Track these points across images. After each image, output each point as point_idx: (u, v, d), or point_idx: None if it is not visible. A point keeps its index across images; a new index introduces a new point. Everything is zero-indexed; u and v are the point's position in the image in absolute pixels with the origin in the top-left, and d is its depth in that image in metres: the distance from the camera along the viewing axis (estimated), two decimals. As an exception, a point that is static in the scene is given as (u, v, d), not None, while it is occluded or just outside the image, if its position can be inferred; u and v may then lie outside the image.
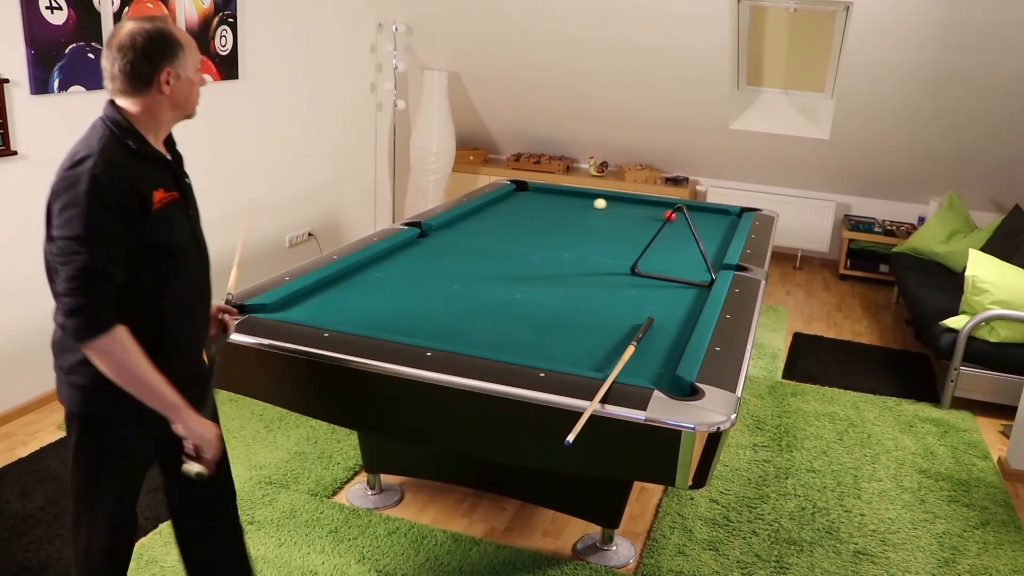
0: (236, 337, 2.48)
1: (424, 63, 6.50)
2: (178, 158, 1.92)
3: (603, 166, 6.88)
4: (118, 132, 1.75)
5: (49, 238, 1.72)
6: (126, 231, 1.71)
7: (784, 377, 4.40)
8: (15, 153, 3.40)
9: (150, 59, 1.74)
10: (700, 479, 2.15)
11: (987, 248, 5.03)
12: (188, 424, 1.81)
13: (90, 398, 1.81)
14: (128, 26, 1.75)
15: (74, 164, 1.68)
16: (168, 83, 1.77)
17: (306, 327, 2.46)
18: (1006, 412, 4.14)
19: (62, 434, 3.45)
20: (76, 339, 1.69)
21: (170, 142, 1.91)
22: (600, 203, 4.48)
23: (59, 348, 1.82)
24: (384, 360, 2.31)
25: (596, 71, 6.07)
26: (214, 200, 4.55)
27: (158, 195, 1.78)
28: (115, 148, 1.73)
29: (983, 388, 4.10)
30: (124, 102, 1.78)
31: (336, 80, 5.53)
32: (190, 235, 1.88)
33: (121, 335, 1.71)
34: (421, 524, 2.93)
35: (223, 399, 3.78)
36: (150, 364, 1.74)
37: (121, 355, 1.70)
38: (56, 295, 1.72)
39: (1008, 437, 3.88)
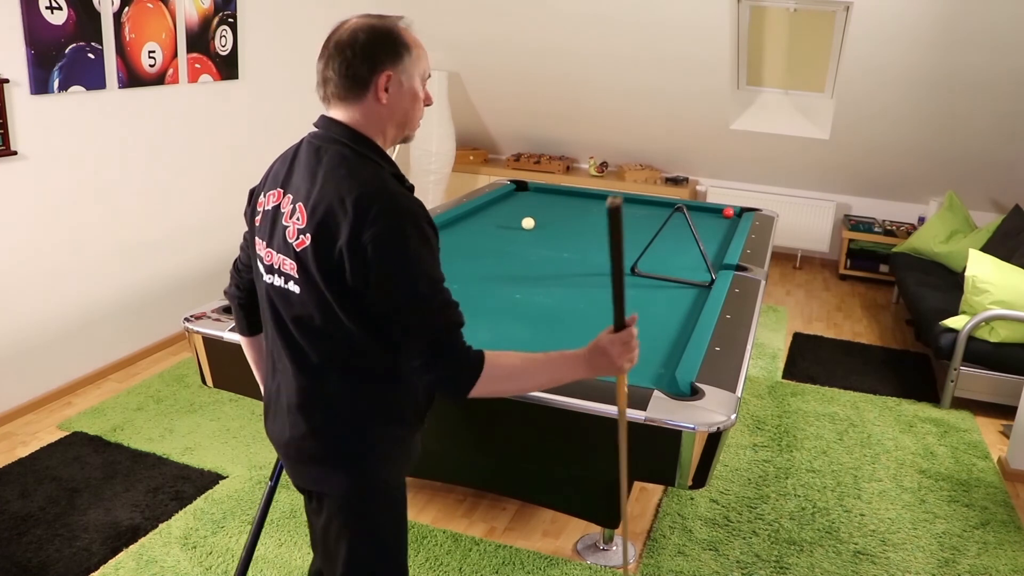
0: (236, 337, 2.48)
1: (424, 63, 6.49)
2: None
3: (603, 166, 6.88)
4: (385, 163, 1.55)
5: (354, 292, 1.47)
6: None
7: (784, 377, 4.40)
8: (15, 153, 3.40)
9: (370, 59, 1.51)
10: (700, 479, 2.15)
11: (987, 248, 5.03)
12: (600, 364, 1.58)
13: (369, 473, 1.61)
14: (351, 22, 1.55)
15: (391, 203, 1.46)
16: (386, 89, 1.53)
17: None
18: (1006, 412, 4.14)
19: (62, 434, 3.45)
20: (457, 396, 1.51)
21: None
22: (528, 223, 4.09)
23: (327, 417, 1.58)
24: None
25: (596, 71, 6.07)
26: (213, 200, 4.55)
27: None
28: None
29: (983, 388, 4.10)
30: (338, 110, 1.55)
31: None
32: None
33: (490, 358, 1.51)
34: (421, 524, 2.93)
35: (223, 399, 3.78)
36: (518, 354, 1.56)
37: (504, 373, 1.52)
38: (411, 356, 1.50)
39: (1008, 437, 3.88)
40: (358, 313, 1.49)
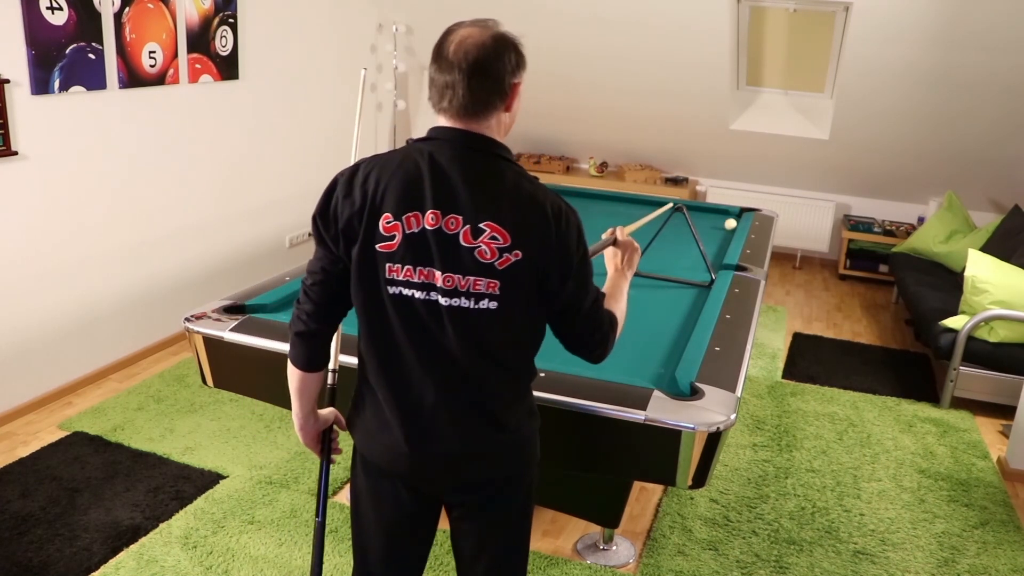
0: (236, 337, 2.48)
1: (424, 63, 6.50)
2: None
3: (603, 166, 6.89)
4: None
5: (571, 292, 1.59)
6: None
7: (784, 377, 4.41)
8: (15, 153, 3.40)
9: (508, 72, 1.51)
10: (700, 479, 2.15)
11: (987, 248, 5.03)
12: (626, 271, 1.92)
13: (535, 448, 1.72)
14: (475, 34, 1.49)
15: (567, 206, 1.58)
16: (514, 100, 1.55)
17: (306, 327, 2.46)
18: (1006, 412, 4.15)
19: (63, 434, 3.46)
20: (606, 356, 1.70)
21: None
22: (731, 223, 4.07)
23: (516, 412, 1.63)
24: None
25: (596, 71, 6.07)
26: (214, 200, 4.55)
27: None
28: None
29: (982, 388, 4.10)
30: (463, 121, 1.53)
31: (336, 80, 5.53)
32: None
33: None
34: (421, 524, 2.93)
35: (224, 399, 3.79)
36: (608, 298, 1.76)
37: (617, 323, 1.74)
38: (592, 342, 1.66)
39: (1007, 437, 3.88)
40: (549, 313, 1.60)
